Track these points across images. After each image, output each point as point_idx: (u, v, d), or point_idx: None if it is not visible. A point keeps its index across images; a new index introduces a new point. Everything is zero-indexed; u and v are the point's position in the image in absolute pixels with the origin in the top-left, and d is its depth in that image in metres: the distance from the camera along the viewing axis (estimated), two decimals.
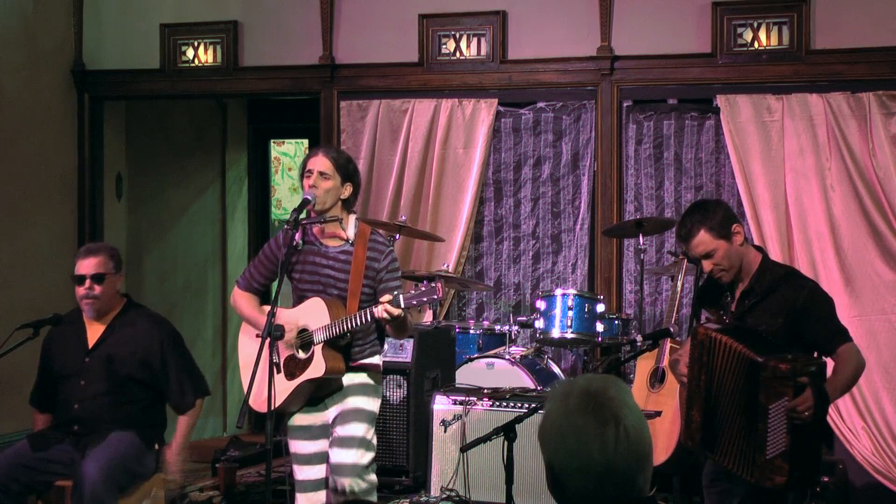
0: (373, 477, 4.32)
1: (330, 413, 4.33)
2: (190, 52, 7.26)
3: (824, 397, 3.83)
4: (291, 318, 4.26)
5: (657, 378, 5.47)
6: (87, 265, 4.82)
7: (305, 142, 9.26)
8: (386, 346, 4.55)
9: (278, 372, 4.22)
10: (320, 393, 4.30)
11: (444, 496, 5.47)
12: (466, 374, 6.12)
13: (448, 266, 6.61)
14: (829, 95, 6.19)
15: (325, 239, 4.35)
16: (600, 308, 6.19)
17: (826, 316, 4.08)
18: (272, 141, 9.37)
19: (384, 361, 4.54)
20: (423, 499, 5.55)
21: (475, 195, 6.79)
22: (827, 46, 6.24)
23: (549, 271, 7.03)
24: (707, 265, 4.13)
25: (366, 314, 4.09)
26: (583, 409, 2.12)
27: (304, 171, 4.32)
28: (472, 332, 6.61)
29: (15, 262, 6.73)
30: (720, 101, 6.40)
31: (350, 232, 4.33)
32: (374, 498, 4.39)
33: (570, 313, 6.12)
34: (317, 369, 4.18)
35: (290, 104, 8.33)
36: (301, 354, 4.24)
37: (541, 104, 6.95)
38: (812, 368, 3.82)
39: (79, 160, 7.34)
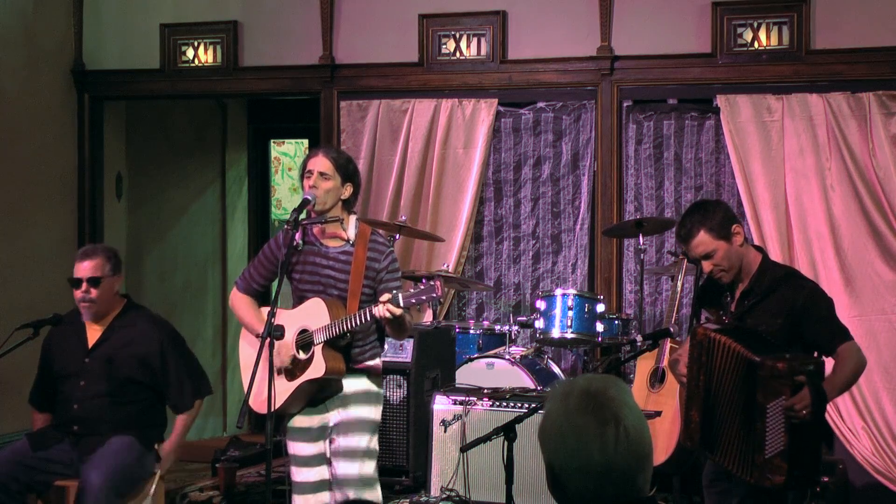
0: (377, 485, 4.35)
1: (330, 416, 4.31)
2: (190, 52, 7.26)
3: (822, 396, 3.82)
4: (291, 318, 4.25)
5: (657, 378, 5.47)
6: (83, 268, 4.82)
7: (305, 142, 9.26)
8: (386, 346, 4.54)
9: (279, 373, 4.22)
10: (321, 394, 4.29)
11: (444, 496, 5.47)
12: (466, 374, 6.12)
13: (448, 266, 6.61)
14: (829, 95, 6.19)
15: (326, 239, 4.34)
16: (600, 308, 6.19)
17: (826, 316, 4.07)
18: (272, 141, 9.37)
19: (384, 361, 4.53)
20: (423, 499, 5.55)
21: (475, 195, 6.79)
22: (827, 46, 6.24)
23: (549, 271, 7.04)
24: (707, 266, 4.13)
25: (366, 314, 4.08)
26: (583, 409, 2.12)
27: (304, 172, 4.31)
28: (472, 332, 6.61)
29: (15, 262, 6.73)
30: (720, 101, 6.40)
31: (351, 232, 4.32)
32: (379, 497, 4.39)
33: (570, 313, 6.12)
34: (317, 370, 4.17)
35: (290, 104, 8.34)
36: (301, 355, 4.24)
37: (541, 104, 6.95)
38: (809, 367, 3.82)
39: (79, 160, 7.34)
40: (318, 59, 6.98)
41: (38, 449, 4.74)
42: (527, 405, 5.37)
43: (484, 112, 6.78)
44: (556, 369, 6.42)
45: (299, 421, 4.34)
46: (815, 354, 4.05)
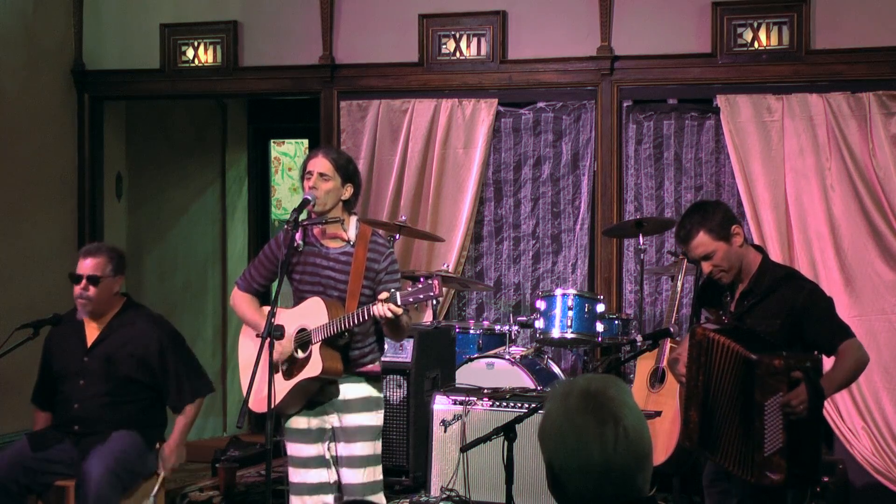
0: (381, 489, 4.35)
1: (330, 419, 4.30)
2: (190, 52, 7.26)
3: (819, 392, 3.82)
4: (290, 317, 4.25)
5: (657, 378, 5.47)
6: (85, 265, 4.82)
7: (305, 142, 9.26)
8: (386, 347, 4.53)
9: (276, 372, 4.21)
10: (320, 397, 4.28)
11: (444, 496, 5.47)
12: (466, 374, 6.12)
13: (448, 266, 6.61)
14: (829, 95, 6.19)
15: (326, 240, 4.33)
16: (600, 308, 6.19)
17: (826, 316, 4.07)
18: (272, 141, 9.37)
19: (384, 361, 4.53)
20: (423, 499, 5.55)
21: (475, 195, 6.80)
22: (827, 46, 6.24)
23: (549, 271, 7.04)
24: (706, 266, 4.12)
25: (364, 312, 4.07)
26: (583, 408, 2.12)
27: (304, 173, 4.30)
28: (472, 332, 6.61)
29: (15, 262, 6.73)
30: (720, 101, 6.40)
31: (351, 233, 4.31)
32: (382, 500, 4.38)
33: (570, 313, 6.12)
34: (314, 368, 4.16)
35: (290, 104, 8.33)
36: (299, 354, 4.23)
37: (541, 104, 6.95)
38: (806, 363, 3.82)
39: (79, 160, 7.34)
40: (318, 59, 6.98)
41: (37, 449, 4.74)
42: (527, 405, 5.37)
43: (484, 112, 6.78)
44: (556, 369, 6.42)
45: (297, 422, 4.33)
46: (816, 354, 4.05)
